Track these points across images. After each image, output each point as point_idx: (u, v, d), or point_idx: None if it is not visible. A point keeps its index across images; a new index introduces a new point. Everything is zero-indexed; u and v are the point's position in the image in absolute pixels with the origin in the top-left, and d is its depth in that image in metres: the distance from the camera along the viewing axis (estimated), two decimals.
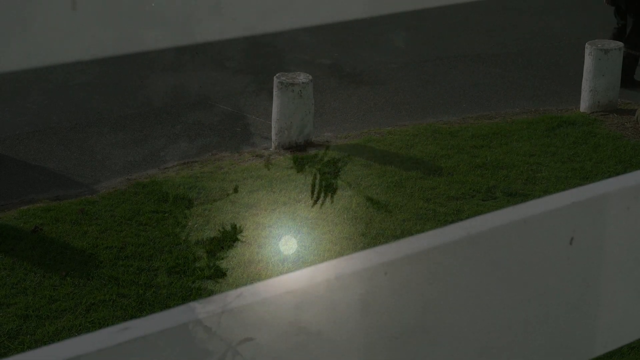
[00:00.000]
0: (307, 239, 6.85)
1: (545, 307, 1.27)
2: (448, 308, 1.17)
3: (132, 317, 5.82)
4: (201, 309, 1.01)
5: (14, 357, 0.95)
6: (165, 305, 5.99)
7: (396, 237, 6.83)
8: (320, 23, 0.98)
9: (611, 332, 1.36)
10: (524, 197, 7.53)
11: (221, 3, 0.91)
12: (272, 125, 8.68)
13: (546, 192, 7.61)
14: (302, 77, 8.65)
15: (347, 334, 1.09)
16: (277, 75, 8.69)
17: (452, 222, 6.51)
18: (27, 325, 5.80)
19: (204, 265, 6.49)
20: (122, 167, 8.29)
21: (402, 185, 7.76)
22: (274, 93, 8.61)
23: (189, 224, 7.08)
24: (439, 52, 11.63)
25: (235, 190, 6.23)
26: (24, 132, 8.95)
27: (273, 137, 8.66)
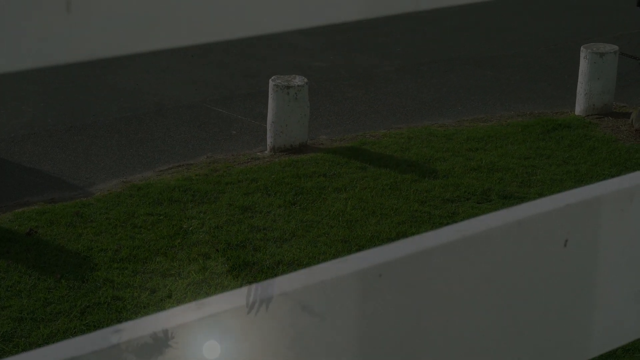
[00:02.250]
0: (302, 241, 6.84)
1: (540, 308, 1.27)
2: (442, 309, 1.17)
3: (127, 319, 5.81)
4: (196, 309, 1.01)
5: (9, 359, 0.95)
6: (159, 308, 5.98)
7: (391, 239, 6.83)
8: (316, 25, 0.98)
9: (606, 334, 1.36)
10: (519, 199, 7.53)
11: (217, 4, 0.91)
12: (268, 128, 8.68)
13: (541, 194, 7.61)
14: (298, 80, 8.65)
15: (342, 335, 1.09)
16: (272, 77, 8.68)
17: (447, 224, 6.50)
18: (21, 327, 5.79)
19: (197, 267, 6.49)
20: (117, 169, 8.28)
21: (397, 187, 7.76)
22: (270, 96, 8.61)
23: (185, 225, 7.08)
24: (435, 55, 11.63)
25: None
26: (19, 135, 8.94)
27: (268, 139, 8.66)
